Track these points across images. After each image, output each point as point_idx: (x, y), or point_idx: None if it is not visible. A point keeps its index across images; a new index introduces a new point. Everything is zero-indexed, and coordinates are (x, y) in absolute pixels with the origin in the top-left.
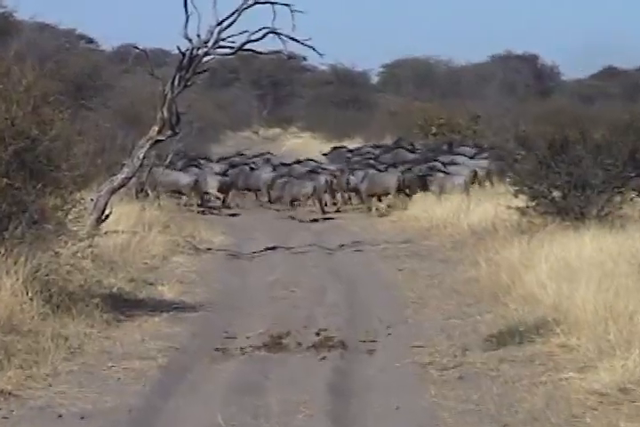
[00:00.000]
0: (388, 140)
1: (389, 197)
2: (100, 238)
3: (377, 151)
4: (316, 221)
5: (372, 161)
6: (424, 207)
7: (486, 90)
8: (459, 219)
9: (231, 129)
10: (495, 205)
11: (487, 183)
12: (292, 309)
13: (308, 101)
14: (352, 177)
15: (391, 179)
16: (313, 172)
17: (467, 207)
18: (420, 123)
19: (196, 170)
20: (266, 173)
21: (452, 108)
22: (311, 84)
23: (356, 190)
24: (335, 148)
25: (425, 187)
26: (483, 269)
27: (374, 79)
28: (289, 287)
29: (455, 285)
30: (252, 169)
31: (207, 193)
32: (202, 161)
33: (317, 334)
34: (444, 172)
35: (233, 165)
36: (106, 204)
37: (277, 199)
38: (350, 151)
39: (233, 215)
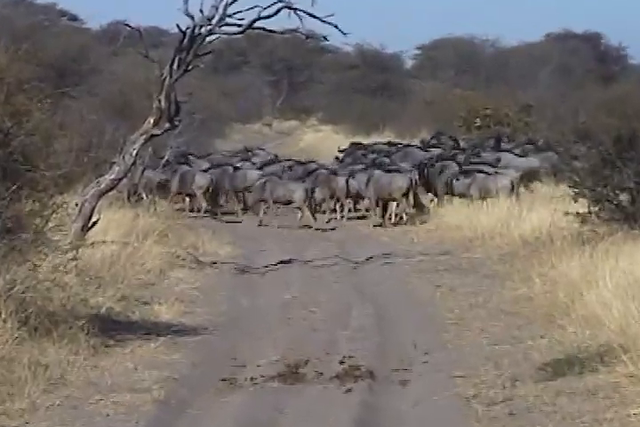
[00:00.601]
0: (425, 135)
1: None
2: (85, 250)
3: (393, 149)
4: (334, 229)
5: (386, 159)
6: (467, 214)
7: (540, 75)
8: (508, 228)
9: (239, 121)
10: (551, 211)
11: (540, 185)
12: (312, 332)
13: (329, 89)
14: (353, 181)
15: (401, 180)
16: (311, 173)
17: (518, 214)
18: (462, 114)
19: (185, 168)
20: (251, 172)
21: (500, 97)
22: (333, 68)
23: (359, 196)
24: (354, 144)
25: (429, 189)
26: (536, 285)
27: (408, 63)
28: (307, 307)
29: (503, 304)
30: (235, 169)
31: (190, 195)
32: (191, 157)
33: (341, 363)
34: (485, 172)
35: (217, 165)
36: (92, 209)
37: (255, 203)
38: (364, 148)
39: (233, 222)
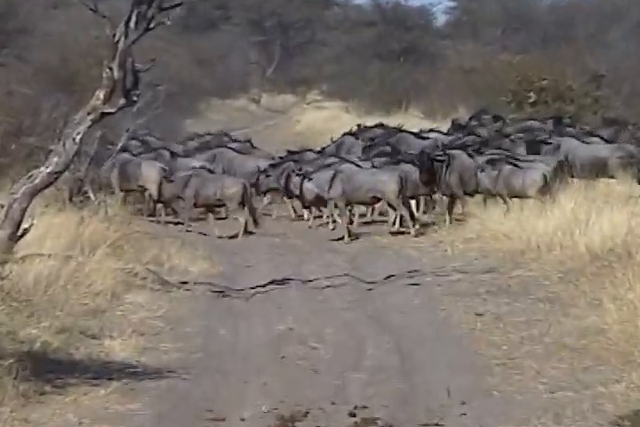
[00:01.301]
0: (463, 114)
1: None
2: (13, 266)
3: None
4: (344, 238)
5: (390, 150)
6: (517, 218)
7: (613, 35)
8: (571, 236)
9: (218, 96)
10: (628, 215)
11: (613, 182)
12: (313, 375)
13: (336, 53)
14: (308, 183)
15: (386, 180)
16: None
17: (584, 219)
18: (512, 87)
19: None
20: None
21: (561, 64)
22: (342, 26)
23: (320, 199)
24: (363, 127)
25: (430, 186)
26: (609, 313)
27: (439, 19)
28: (307, 342)
29: (565, 338)
30: (173, 155)
31: (134, 190)
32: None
33: (352, 415)
34: (513, 164)
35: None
36: (23, 212)
37: (170, 202)
38: (353, 135)
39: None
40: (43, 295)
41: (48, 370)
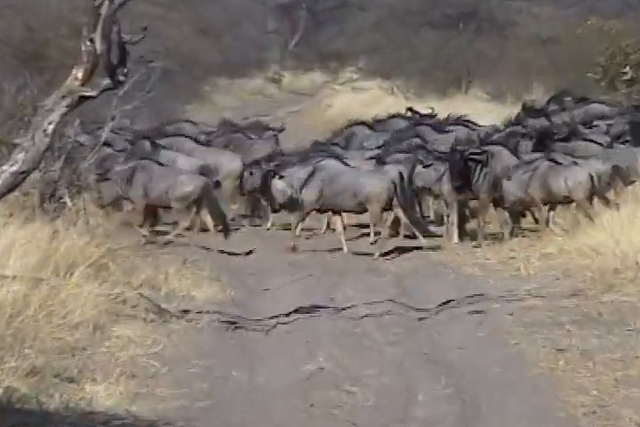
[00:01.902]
0: (539, 96)
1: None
2: None
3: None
4: (389, 254)
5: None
6: (611, 228)
7: None
8: None
9: (227, 75)
10: None
11: None
12: None
13: (376, 20)
14: (279, 182)
15: (374, 183)
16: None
17: None
18: (602, 60)
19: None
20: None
21: None
22: None
23: (294, 202)
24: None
25: (461, 190)
26: None
27: None
28: (342, 386)
29: None
30: (155, 146)
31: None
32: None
33: None
34: (554, 160)
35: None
36: None
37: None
38: (369, 126)
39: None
40: (7, 328)
41: (14, 423)
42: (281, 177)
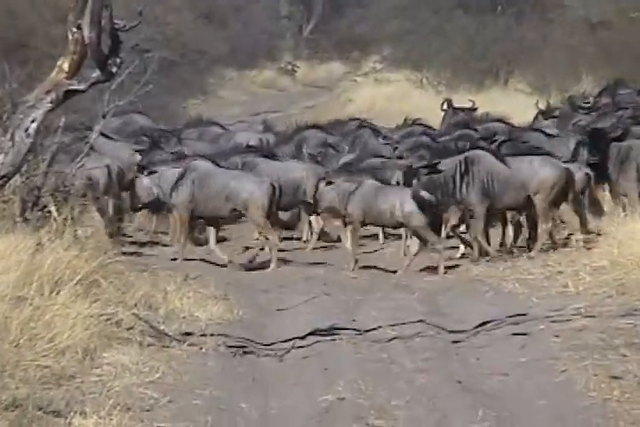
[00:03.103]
0: (588, 87)
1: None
2: None
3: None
4: (426, 270)
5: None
6: None
7: None
8: None
9: (235, 66)
10: None
11: None
12: None
13: (404, 3)
14: (145, 179)
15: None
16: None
17: None
18: None
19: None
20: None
21: None
22: None
23: (160, 204)
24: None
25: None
26: None
27: None
28: (367, 418)
29: None
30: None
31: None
32: None
33: None
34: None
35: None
36: None
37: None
38: (376, 132)
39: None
40: None
41: None
42: (149, 173)
